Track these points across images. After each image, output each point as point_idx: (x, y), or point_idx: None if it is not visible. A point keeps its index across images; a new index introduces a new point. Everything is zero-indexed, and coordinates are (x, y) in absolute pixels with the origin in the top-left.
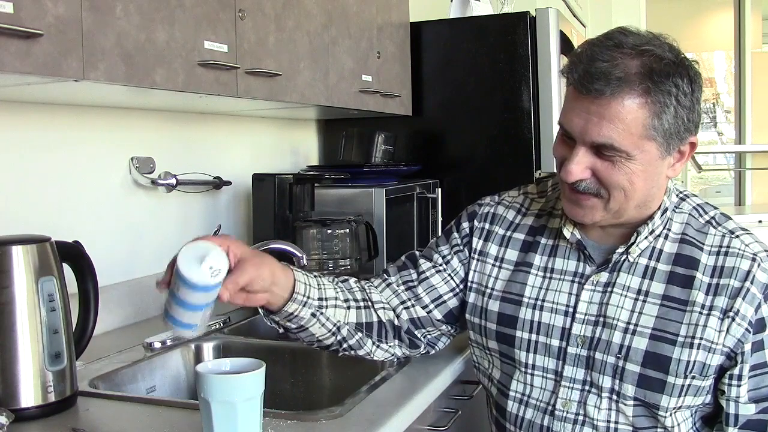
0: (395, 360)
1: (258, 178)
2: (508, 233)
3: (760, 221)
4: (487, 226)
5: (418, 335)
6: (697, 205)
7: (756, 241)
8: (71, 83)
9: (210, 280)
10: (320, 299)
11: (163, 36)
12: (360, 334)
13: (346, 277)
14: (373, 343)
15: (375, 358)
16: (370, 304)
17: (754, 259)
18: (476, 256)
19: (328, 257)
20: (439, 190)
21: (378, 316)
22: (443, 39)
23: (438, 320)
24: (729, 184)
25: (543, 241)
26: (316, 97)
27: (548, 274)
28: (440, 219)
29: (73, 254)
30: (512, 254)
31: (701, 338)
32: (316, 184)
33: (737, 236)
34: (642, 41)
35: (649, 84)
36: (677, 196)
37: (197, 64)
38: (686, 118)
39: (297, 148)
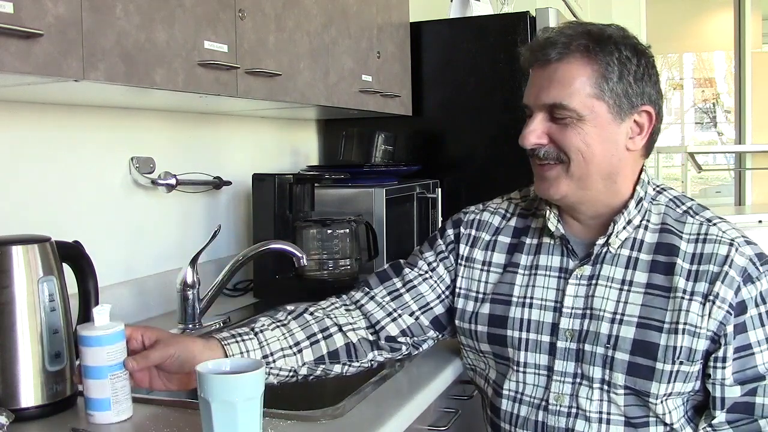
0: (394, 361)
1: (258, 178)
2: (494, 237)
3: (760, 221)
4: (473, 232)
5: (402, 341)
6: (674, 197)
7: (732, 228)
8: (71, 83)
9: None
10: (265, 357)
11: (163, 36)
12: (323, 366)
13: (303, 308)
14: (343, 365)
15: (349, 374)
16: (334, 330)
17: (731, 244)
18: (463, 263)
19: (328, 257)
20: (439, 190)
21: (346, 338)
22: (443, 39)
23: (426, 326)
24: (729, 184)
25: (527, 241)
26: (316, 97)
27: (533, 271)
28: (440, 219)
29: (73, 254)
30: (499, 257)
31: (685, 323)
32: (316, 184)
33: (714, 224)
34: (592, 24)
35: (591, 44)
36: (654, 189)
37: (197, 64)
38: (634, 83)
39: (297, 148)
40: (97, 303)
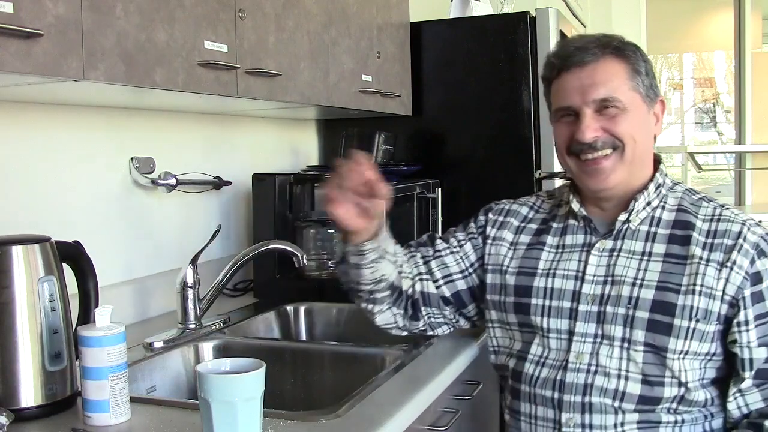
0: (394, 330)
1: (258, 178)
2: (522, 224)
3: (759, 221)
4: (501, 218)
5: (423, 312)
6: (689, 188)
7: (743, 213)
8: (71, 83)
9: None
10: (384, 250)
11: (163, 36)
12: (387, 293)
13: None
14: (387, 303)
15: (378, 321)
16: (399, 270)
17: (743, 224)
18: (491, 242)
19: (328, 257)
20: (439, 190)
21: (398, 281)
22: (443, 39)
23: (445, 298)
24: (729, 184)
25: (554, 225)
26: (316, 97)
27: (559, 250)
28: (440, 219)
29: (73, 254)
30: (526, 238)
31: (701, 285)
32: (316, 184)
33: (727, 208)
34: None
35: (618, 45)
36: (671, 181)
37: (197, 64)
38: (653, 77)
39: (297, 148)
40: (97, 303)
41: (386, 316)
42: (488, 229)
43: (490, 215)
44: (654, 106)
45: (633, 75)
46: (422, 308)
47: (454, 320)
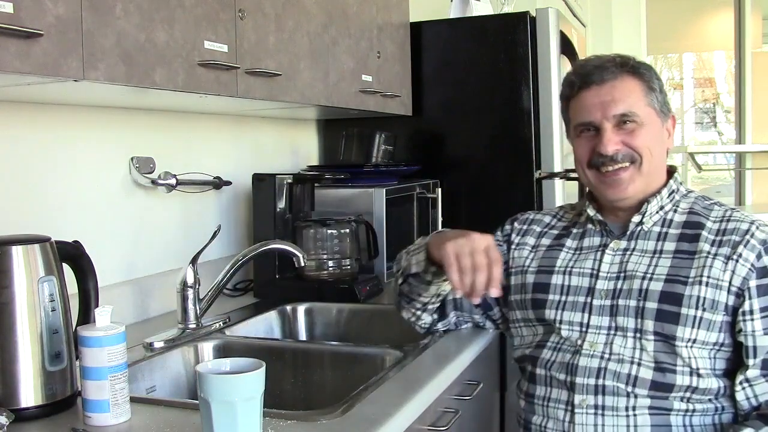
0: (429, 331)
1: (258, 178)
2: (545, 230)
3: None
4: (525, 227)
5: (451, 315)
6: (702, 195)
7: (752, 215)
8: (71, 83)
9: None
10: None
11: (163, 36)
12: (438, 305)
13: None
14: (432, 312)
15: (421, 321)
16: None
17: (752, 223)
18: (515, 247)
19: (328, 257)
20: (439, 190)
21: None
22: (443, 39)
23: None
24: (729, 184)
25: (574, 230)
26: (316, 97)
27: (577, 252)
28: (440, 219)
29: (73, 254)
30: (547, 241)
31: (708, 276)
32: (316, 184)
33: (737, 211)
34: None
35: (634, 65)
36: (685, 189)
37: (197, 64)
38: (665, 95)
39: (297, 148)
40: (97, 303)
41: (427, 320)
42: (513, 236)
43: (516, 224)
44: (666, 121)
45: (648, 92)
46: (453, 312)
47: (481, 323)
